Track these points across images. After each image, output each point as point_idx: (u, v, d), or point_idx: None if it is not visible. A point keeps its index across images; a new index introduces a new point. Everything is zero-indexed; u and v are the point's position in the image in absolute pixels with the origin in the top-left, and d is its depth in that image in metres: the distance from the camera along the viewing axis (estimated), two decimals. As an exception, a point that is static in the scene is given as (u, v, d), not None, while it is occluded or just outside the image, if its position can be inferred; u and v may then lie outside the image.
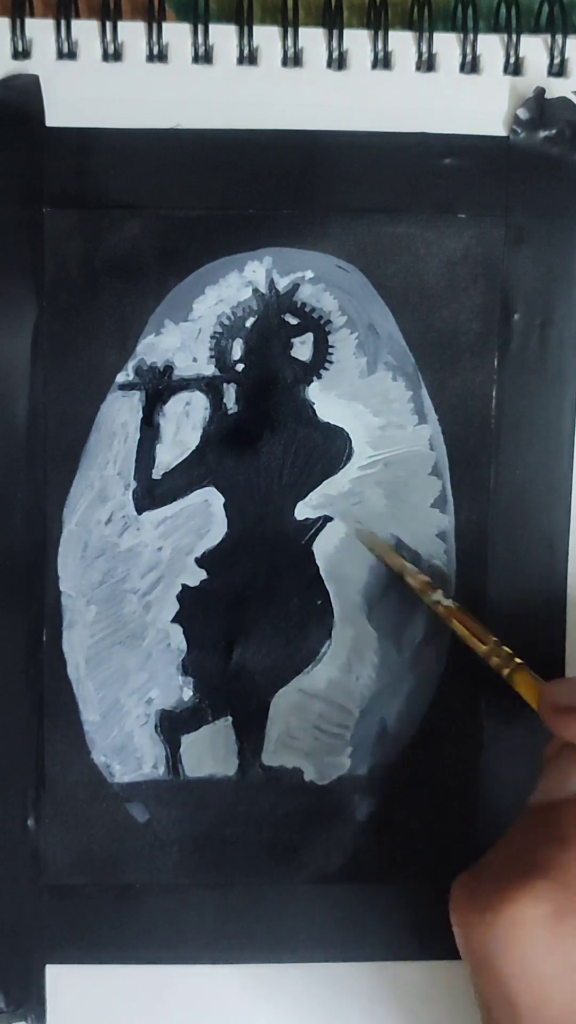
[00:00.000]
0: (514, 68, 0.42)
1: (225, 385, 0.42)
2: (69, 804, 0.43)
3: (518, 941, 0.33)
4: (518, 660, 0.39)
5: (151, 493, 0.42)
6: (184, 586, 0.43)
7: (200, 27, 0.41)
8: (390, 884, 0.43)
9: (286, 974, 0.43)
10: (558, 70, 0.42)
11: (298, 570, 0.43)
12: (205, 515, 0.43)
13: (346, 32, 0.42)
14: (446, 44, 0.42)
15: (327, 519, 0.43)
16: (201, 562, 0.43)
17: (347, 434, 0.43)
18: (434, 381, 0.42)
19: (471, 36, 0.42)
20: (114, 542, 0.42)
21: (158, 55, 0.41)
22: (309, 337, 0.42)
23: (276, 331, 0.42)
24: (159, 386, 0.42)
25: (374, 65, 0.42)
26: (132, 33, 0.41)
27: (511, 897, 0.33)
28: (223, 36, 0.41)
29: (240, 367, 0.42)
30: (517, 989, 0.33)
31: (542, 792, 0.37)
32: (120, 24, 0.41)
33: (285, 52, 0.42)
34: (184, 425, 0.42)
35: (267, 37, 0.42)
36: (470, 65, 0.42)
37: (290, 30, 0.41)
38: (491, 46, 0.42)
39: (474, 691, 0.43)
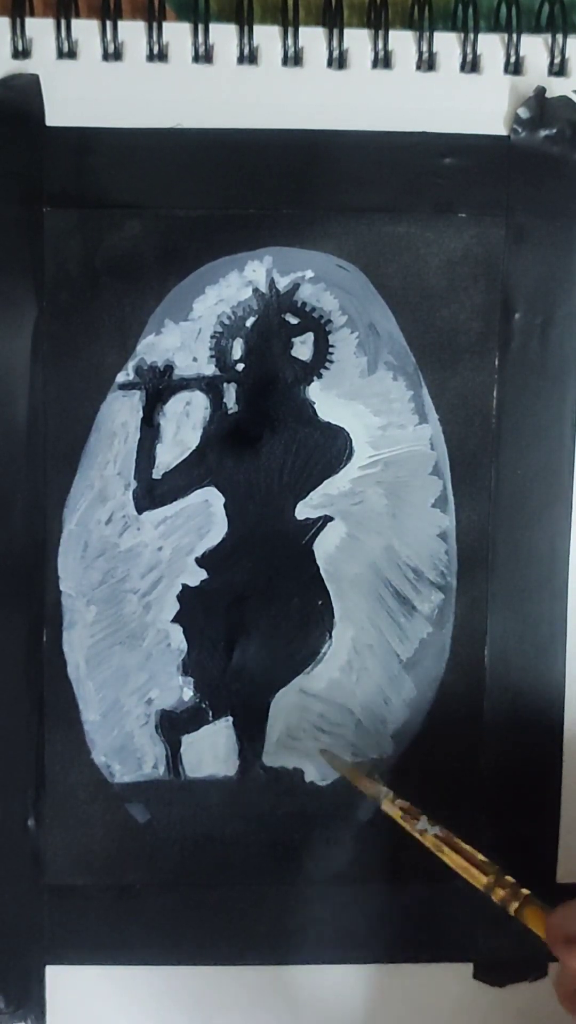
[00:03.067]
0: (514, 67, 0.42)
1: (225, 385, 0.42)
2: (69, 804, 0.43)
3: None
4: (525, 891, 0.36)
5: (151, 493, 0.42)
6: (184, 586, 0.43)
7: (200, 27, 0.41)
8: (390, 885, 0.43)
9: (286, 975, 0.43)
10: (558, 69, 0.42)
11: (298, 570, 0.43)
12: (205, 515, 0.43)
13: (346, 32, 0.42)
14: (446, 44, 0.42)
15: (327, 519, 0.43)
16: (201, 562, 0.43)
17: (347, 434, 0.43)
18: (435, 381, 0.42)
19: (471, 36, 0.42)
20: (114, 542, 0.42)
21: (158, 55, 0.41)
22: (309, 337, 0.42)
23: (276, 331, 0.42)
24: (159, 386, 0.42)
25: (374, 65, 0.42)
26: (132, 33, 0.41)
27: None
28: (223, 36, 0.41)
29: (240, 367, 0.42)
30: None
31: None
32: (120, 24, 0.41)
33: (285, 52, 0.42)
34: (184, 425, 0.42)
35: (267, 37, 0.42)
36: (470, 65, 0.42)
37: (290, 30, 0.41)
38: (491, 46, 0.42)
39: (474, 691, 0.43)
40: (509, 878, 0.36)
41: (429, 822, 0.37)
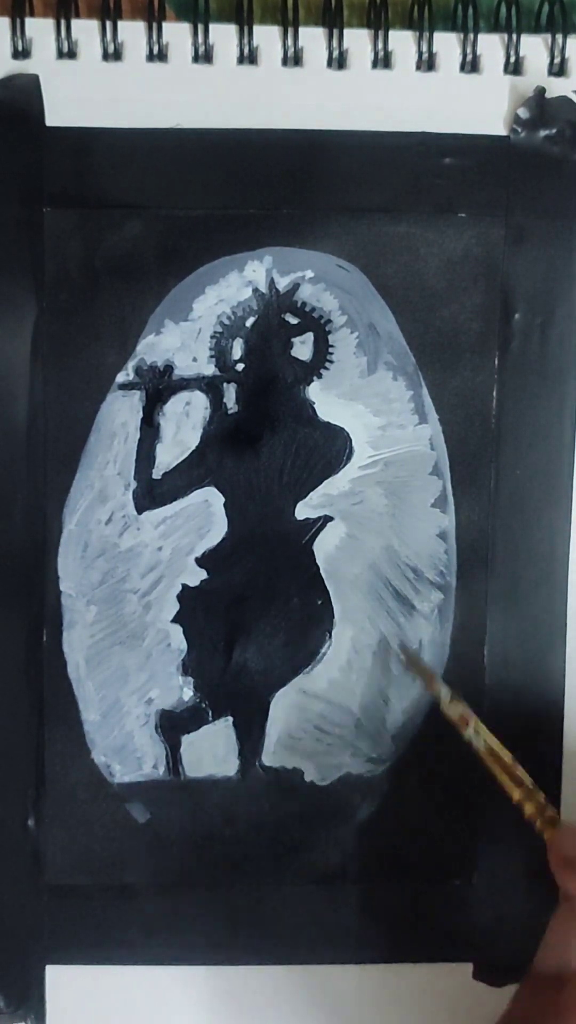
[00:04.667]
0: (514, 68, 0.42)
1: (225, 385, 0.42)
2: (69, 804, 0.43)
3: None
4: (551, 813, 0.37)
5: (151, 493, 0.42)
6: (184, 586, 0.43)
7: (200, 27, 0.41)
8: (390, 885, 0.43)
9: (286, 975, 0.43)
10: (558, 69, 0.42)
11: (298, 570, 0.43)
12: (205, 515, 0.43)
13: (346, 32, 0.42)
14: (446, 44, 0.42)
15: (327, 519, 0.43)
16: (201, 562, 0.43)
17: (347, 434, 0.43)
18: (434, 381, 0.42)
19: (471, 36, 0.42)
20: (114, 542, 0.42)
21: (158, 55, 0.41)
22: (309, 337, 0.42)
23: (276, 331, 0.42)
24: (159, 386, 0.42)
25: (374, 65, 0.42)
26: (132, 33, 0.41)
27: None
28: (223, 36, 0.41)
29: (240, 367, 0.42)
30: None
31: (545, 956, 0.36)
32: (120, 24, 0.41)
33: (285, 52, 0.42)
34: (184, 425, 0.42)
35: (267, 37, 0.42)
36: (470, 65, 0.42)
37: (290, 30, 0.41)
38: (491, 46, 0.42)
39: (474, 691, 0.43)
40: (541, 796, 0.37)
41: (475, 732, 0.39)
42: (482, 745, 0.39)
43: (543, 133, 0.42)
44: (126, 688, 0.43)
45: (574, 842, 0.35)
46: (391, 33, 0.42)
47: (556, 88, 0.42)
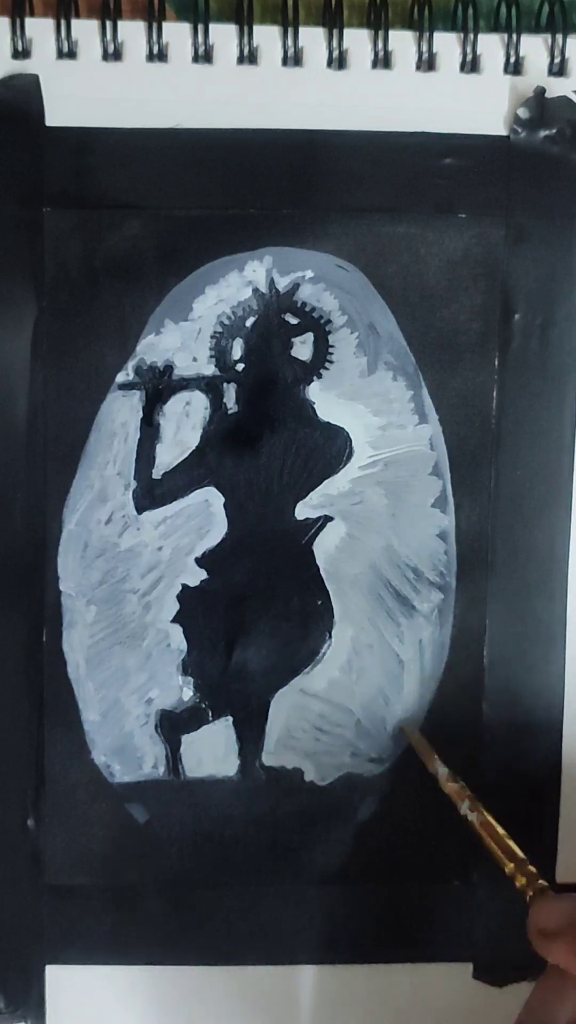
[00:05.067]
0: (514, 68, 0.42)
1: (225, 385, 0.42)
2: (69, 804, 0.43)
3: None
4: (542, 882, 0.37)
5: (151, 493, 0.42)
6: (184, 586, 0.43)
7: (200, 27, 0.41)
8: (390, 885, 0.43)
9: (286, 976, 0.43)
10: (558, 69, 0.42)
11: (298, 570, 0.43)
12: (205, 515, 0.43)
13: (346, 32, 0.42)
14: (446, 44, 0.42)
15: (327, 519, 0.43)
16: (201, 562, 0.43)
17: (347, 434, 0.43)
18: (435, 381, 0.42)
19: (471, 36, 0.42)
20: (114, 542, 0.42)
21: (158, 55, 0.41)
22: (309, 337, 0.42)
23: (276, 331, 0.42)
24: (159, 386, 0.42)
25: (374, 65, 0.42)
26: (132, 33, 0.41)
27: None
28: (223, 36, 0.41)
29: (240, 367, 0.42)
30: None
31: (527, 1018, 0.36)
32: (120, 24, 0.41)
33: (285, 52, 0.42)
34: (184, 425, 0.42)
35: (267, 37, 0.42)
36: (470, 65, 0.42)
37: (290, 30, 0.41)
38: (491, 46, 0.42)
39: (475, 691, 0.43)
40: (532, 868, 0.37)
41: (470, 808, 0.40)
42: (476, 820, 0.39)
43: (543, 133, 0.42)
44: (126, 688, 0.43)
45: (548, 914, 0.36)
46: (391, 33, 0.42)
47: (556, 88, 0.42)
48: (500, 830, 0.39)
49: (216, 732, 0.43)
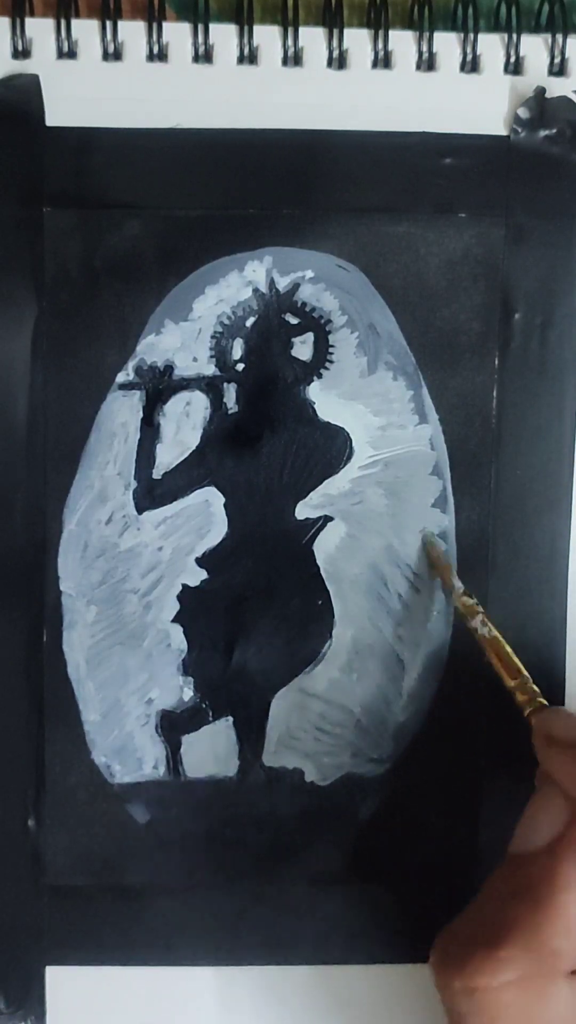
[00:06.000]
0: (514, 67, 0.42)
1: (225, 385, 0.42)
2: (69, 804, 0.43)
3: (487, 1009, 0.34)
4: (542, 700, 0.39)
5: (151, 493, 0.42)
6: (184, 586, 0.43)
7: (200, 27, 0.41)
8: (391, 885, 0.43)
9: (287, 976, 0.43)
10: (558, 69, 0.42)
11: (298, 570, 0.43)
12: (205, 515, 0.43)
13: (346, 32, 0.42)
14: (446, 44, 0.42)
15: (327, 519, 0.43)
16: (201, 562, 0.43)
17: (347, 434, 0.43)
18: (435, 381, 0.42)
19: (471, 35, 0.42)
20: (114, 542, 0.42)
21: (158, 55, 0.41)
22: (309, 337, 0.42)
23: (276, 331, 0.42)
24: (159, 386, 0.42)
25: (374, 65, 0.42)
26: (132, 33, 0.41)
27: (480, 968, 0.34)
28: (223, 36, 0.41)
29: (240, 367, 0.42)
30: None
31: (520, 837, 0.37)
32: (120, 24, 0.41)
33: (285, 52, 0.42)
34: (184, 425, 0.42)
35: (267, 37, 0.42)
36: (470, 65, 0.42)
37: (290, 30, 0.41)
38: (491, 45, 0.42)
39: (476, 691, 0.43)
40: (534, 686, 0.39)
41: (482, 623, 0.41)
42: (487, 633, 0.40)
43: (543, 133, 0.42)
44: (126, 688, 0.43)
45: (559, 722, 0.37)
46: (391, 33, 0.42)
47: (556, 88, 0.42)
48: (507, 648, 0.40)
49: (216, 732, 0.43)
